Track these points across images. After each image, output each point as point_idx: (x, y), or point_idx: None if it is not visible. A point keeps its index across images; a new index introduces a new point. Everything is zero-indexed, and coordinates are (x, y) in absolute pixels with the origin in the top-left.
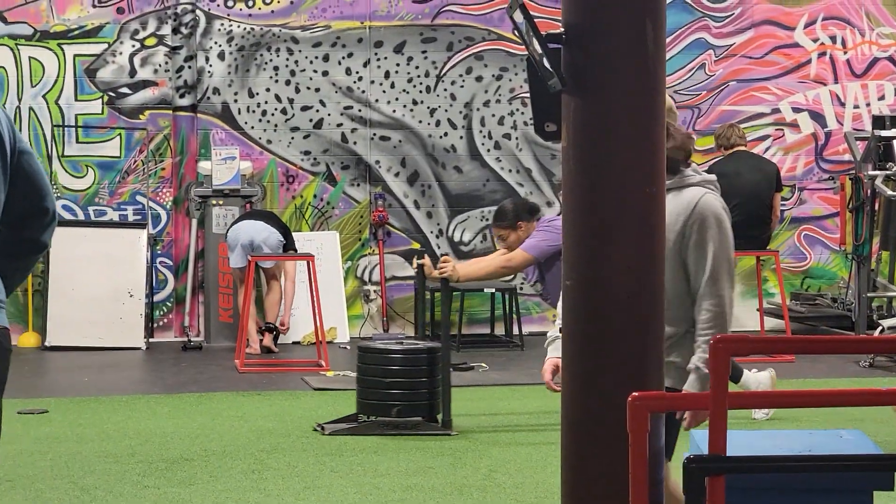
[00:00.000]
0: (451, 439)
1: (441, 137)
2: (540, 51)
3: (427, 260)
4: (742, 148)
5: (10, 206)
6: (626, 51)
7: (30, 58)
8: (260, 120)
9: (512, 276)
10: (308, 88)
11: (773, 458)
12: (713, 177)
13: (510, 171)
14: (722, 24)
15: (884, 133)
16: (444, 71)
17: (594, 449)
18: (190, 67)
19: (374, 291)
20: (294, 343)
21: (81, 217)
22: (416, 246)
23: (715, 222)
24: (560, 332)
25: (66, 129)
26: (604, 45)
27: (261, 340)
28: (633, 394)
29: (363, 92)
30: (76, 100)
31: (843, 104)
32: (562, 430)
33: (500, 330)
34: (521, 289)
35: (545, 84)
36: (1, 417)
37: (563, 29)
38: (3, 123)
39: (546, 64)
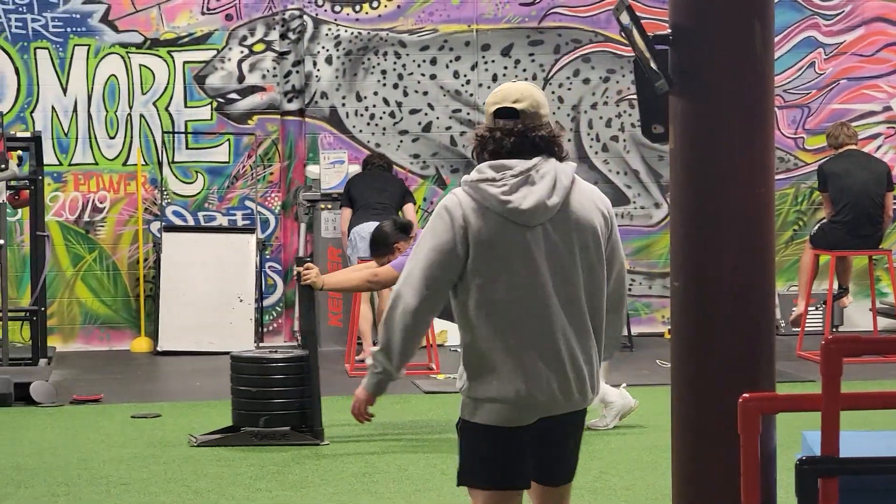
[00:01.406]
0: None
1: None
2: (647, 52)
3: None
4: (852, 147)
5: None
6: (734, 51)
7: (140, 65)
8: (368, 123)
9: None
10: (416, 92)
11: (888, 460)
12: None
13: (618, 173)
14: (832, 22)
15: None
16: (551, 73)
17: (705, 450)
18: (298, 72)
19: None
20: None
21: (191, 223)
22: None
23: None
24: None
25: (175, 135)
26: (711, 46)
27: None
28: (744, 395)
29: (471, 95)
30: (186, 106)
31: None
32: (672, 432)
33: None
34: (630, 290)
35: (652, 86)
36: None
37: (669, 30)
38: None
39: (653, 65)
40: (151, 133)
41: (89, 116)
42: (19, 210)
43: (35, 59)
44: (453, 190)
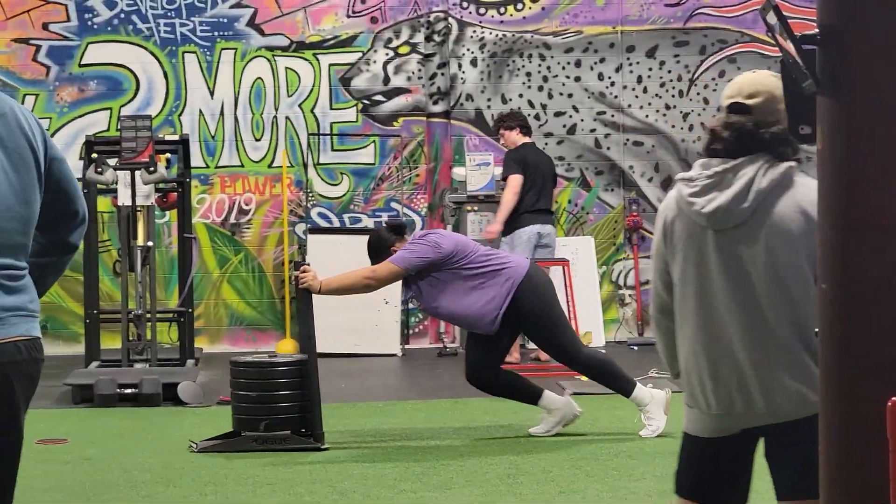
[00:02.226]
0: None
1: (694, 142)
2: (794, 52)
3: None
4: None
5: (42, 211)
6: (885, 50)
7: (286, 68)
8: None
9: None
10: (560, 94)
11: None
12: None
13: None
14: None
15: None
16: (696, 74)
17: (852, 456)
18: (443, 74)
19: (629, 296)
20: None
21: (336, 224)
22: None
23: None
24: None
25: (321, 137)
26: (861, 46)
27: (532, 351)
28: (894, 398)
29: (615, 97)
30: (331, 108)
31: None
32: (820, 437)
33: None
34: None
35: (800, 86)
36: (23, 431)
37: (817, 29)
38: (36, 133)
39: (801, 65)
40: (297, 135)
41: (236, 119)
42: (167, 212)
43: (183, 63)
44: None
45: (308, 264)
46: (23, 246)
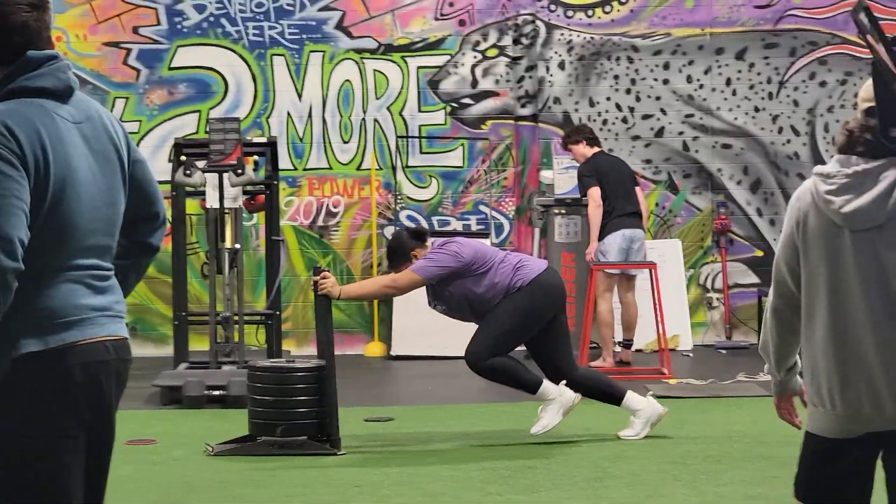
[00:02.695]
0: None
1: (784, 144)
2: (886, 54)
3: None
4: None
5: (124, 212)
6: None
7: (374, 71)
8: (601, 129)
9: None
10: (648, 97)
11: None
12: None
13: None
14: None
15: None
16: (786, 77)
17: None
18: (531, 77)
19: (717, 299)
20: (637, 351)
21: (425, 227)
22: (760, 254)
23: None
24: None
25: (409, 140)
26: None
27: (615, 353)
28: None
29: (704, 100)
30: (419, 111)
31: None
32: None
33: None
34: None
35: (891, 88)
36: (115, 431)
37: None
38: (120, 136)
39: (892, 67)
40: (385, 138)
41: (324, 121)
42: (255, 214)
43: (271, 65)
44: (806, 180)
45: (328, 270)
46: (108, 247)
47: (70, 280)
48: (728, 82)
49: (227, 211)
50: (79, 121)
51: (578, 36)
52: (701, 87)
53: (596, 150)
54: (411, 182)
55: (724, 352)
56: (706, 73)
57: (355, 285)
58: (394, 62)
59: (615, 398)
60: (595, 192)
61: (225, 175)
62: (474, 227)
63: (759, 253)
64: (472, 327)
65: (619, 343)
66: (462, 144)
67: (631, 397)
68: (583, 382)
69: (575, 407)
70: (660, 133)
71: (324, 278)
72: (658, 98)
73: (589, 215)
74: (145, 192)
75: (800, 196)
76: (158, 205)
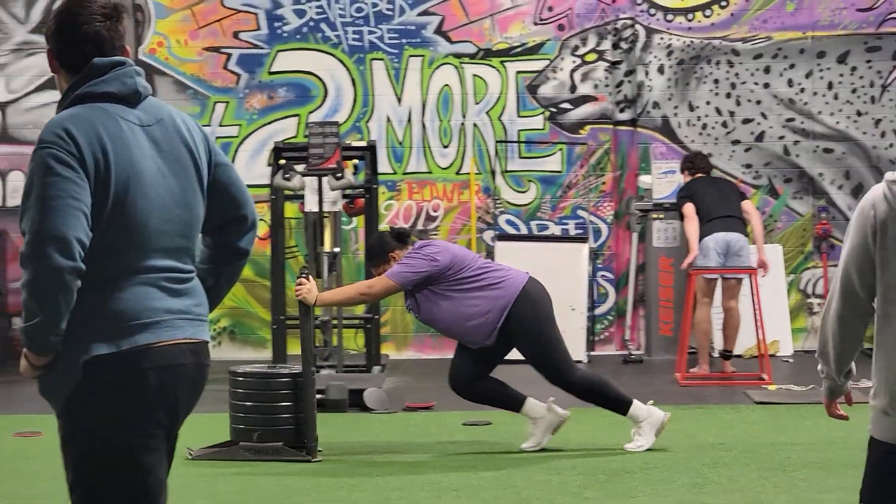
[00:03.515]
0: None
1: (886, 149)
2: None
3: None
4: None
5: (210, 216)
6: None
7: (473, 75)
8: (700, 133)
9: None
10: (749, 101)
11: None
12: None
13: None
14: None
15: None
16: (889, 80)
17: None
18: (630, 82)
19: (818, 304)
20: (736, 356)
21: (524, 231)
22: None
23: None
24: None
25: (508, 144)
26: None
27: (710, 363)
28: None
29: (805, 104)
30: (518, 116)
31: None
32: None
33: None
34: None
35: None
36: (177, 437)
37: None
38: (197, 139)
39: None
40: (484, 142)
41: (423, 126)
42: (354, 218)
43: (371, 70)
44: (874, 186)
45: (306, 276)
46: (185, 249)
47: (143, 283)
48: (830, 86)
49: (326, 215)
50: (147, 124)
51: (678, 40)
52: (802, 91)
53: (697, 176)
54: (510, 186)
55: None
56: (807, 76)
57: (332, 292)
58: (493, 67)
59: (621, 406)
60: (687, 208)
61: (324, 179)
62: (572, 232)
63: None
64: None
65: (719, 353)
66: (561, 149)
67: (530, 403)
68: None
69: (665, 425)
70: (760, 137)
71: (300, 284)
72: (758, 102)
73: (685, 230)
74: (231, 194)
75: (875, 204)
76: (246, 207)
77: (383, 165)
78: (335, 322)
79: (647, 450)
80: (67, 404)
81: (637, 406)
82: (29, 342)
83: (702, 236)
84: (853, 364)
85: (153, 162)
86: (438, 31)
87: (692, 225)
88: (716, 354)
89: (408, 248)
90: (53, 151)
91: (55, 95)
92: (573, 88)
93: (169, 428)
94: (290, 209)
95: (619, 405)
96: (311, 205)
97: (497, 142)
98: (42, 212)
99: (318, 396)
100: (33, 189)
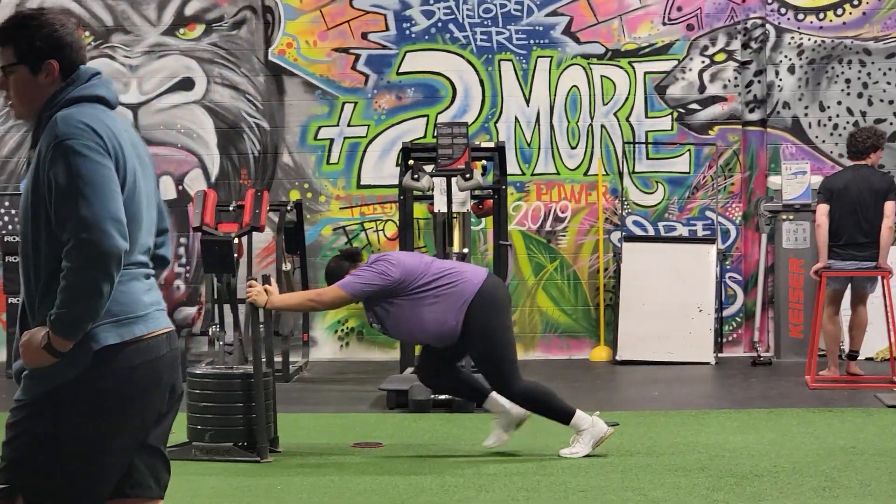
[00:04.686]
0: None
1: None
2: None
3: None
4: None
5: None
6: None
7: (601, 76)
8: (831, 134)
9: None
10: (881, 101)
11: None
12: None
13: None
14: None
15: None
16: None
17: None
18: (759, 82)
19: None
20: (867, 359)
21: (651, 232)
22: None
23: None
24: None
25: (636, 145)
26: None
27: (841, 364)
28: None
29: None
30: (646, 116)
31: None
32: None
33: None
34: None
35: None
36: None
37: None
38: (146, 154)
39: None
40: (612, 143)
41: (551, 127)
42: (483, 219)
43: (499, 70)
44: None
45: (255, 279)
46: (149, 248)
47: (134, 276)
48: None
49: (454, 215)
50: (126, 128)
51: (809, 39)
52: None
53: (854, 162)
54: (638, 188)
55: None
56: None
57: (283, 296)
58: (621, 67)
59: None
60: (819, 210)
61: (453, 179)
62: (700, 233)
63: None
64: (697, 332)
65: (846, 355)
66: (689, 150)
67: (492, 398)
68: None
69: (607, 438)
70: (893, 138)
71: (250, 286)
72: (891, 102)
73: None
74: (159, 206)
75: None
76: (167, 219)
77: (512, 166)
78: None
79: (780, 452)
80: (59, 389)
81: (580, 416)
82: (68, 327)
83: (832, 258)
84: None
85: (136, 163)
86: (567, 31)
87: (819, 233)
88: (843, 357)
89: (359, 265)
90: (83, 142)
91: (185, 97)
92: (702, 89)
93: (164, 411)
94: (419, 209)
95: (563, 416)
96: (440, 205)
97: (625, 143)
98: (97, 195)
99: (444, 397)
100: (76, 177)
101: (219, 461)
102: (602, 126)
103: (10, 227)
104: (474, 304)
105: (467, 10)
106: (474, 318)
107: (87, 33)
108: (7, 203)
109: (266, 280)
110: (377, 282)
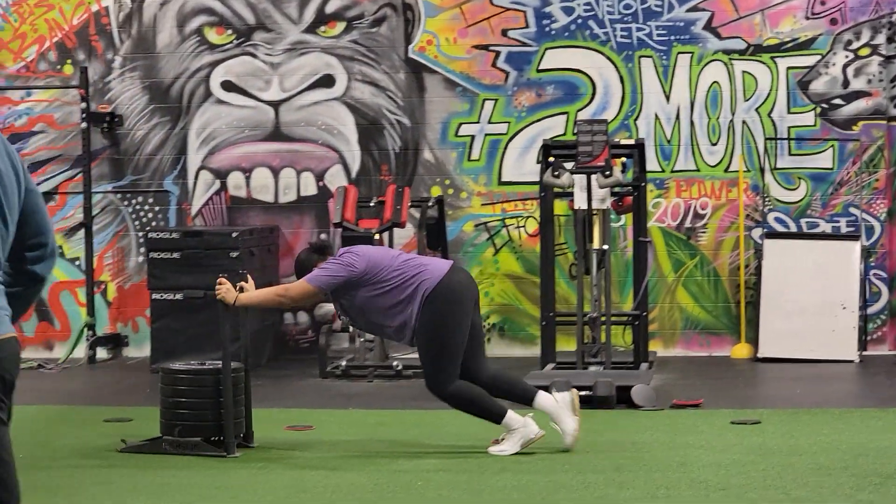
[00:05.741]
0: None
1: None
2: None
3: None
4: None
5: (14, 240)
6: None
7: (743, 72)
8: None
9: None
10: None
11: None
12: None
13: None
14: None
15: None
16: None
17: None
18: None
19: None
20: None
21: (793, 229)
22: None
23: None
24: None
25: (778, 141)
26: None
27: None
28: None
29: None
30: (788, 112)
31: None
32: None
33: None
34: None
35: None
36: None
37: None
38: (17, 161)
39: None
40: (753, 139)
41: (691, 123)
42: (623, 216)
43: (639, 67)
44: None
45: (226, 276)
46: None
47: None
48: None
49: (595, 212)
50: None
51: None
52: None
53: None
54: (779, 184)
55: None
56: None
57: (251, 293)
58: (763, 63)
59: (526, 399)
60: None
61: (593, 176)
62: (844, 230)
63: None
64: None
65: None
66: (832, 146)
67: (541, 398)
68: (492, 384)
69: (537, 440)
70: None
71: (220, 283)
72: None
73: None
74: (35, 222)
75: None
76: (47, 236)
77: (651, 163)
78: (603, 319)
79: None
80: None
81: (512, 416)
82: None
83: None
84: None
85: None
86: (707, 27)
87: None
88: None
89: (328, 258)
90: None
91: (326, 93)
92: (846, 84)
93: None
94: (560, 206)
95: (496, 416)
96: (580, 202)
97: (766, 139)
98: None
99: (585, 393)
100: None
101: (188, 455)
102: (743, 122)
103: (152, 223)
104: (431, 297)
105: (607, 6)
106: (428, 310)
107: (228, 31)
108: (151, 200)
109: (243, 278)
110: (343, 274)
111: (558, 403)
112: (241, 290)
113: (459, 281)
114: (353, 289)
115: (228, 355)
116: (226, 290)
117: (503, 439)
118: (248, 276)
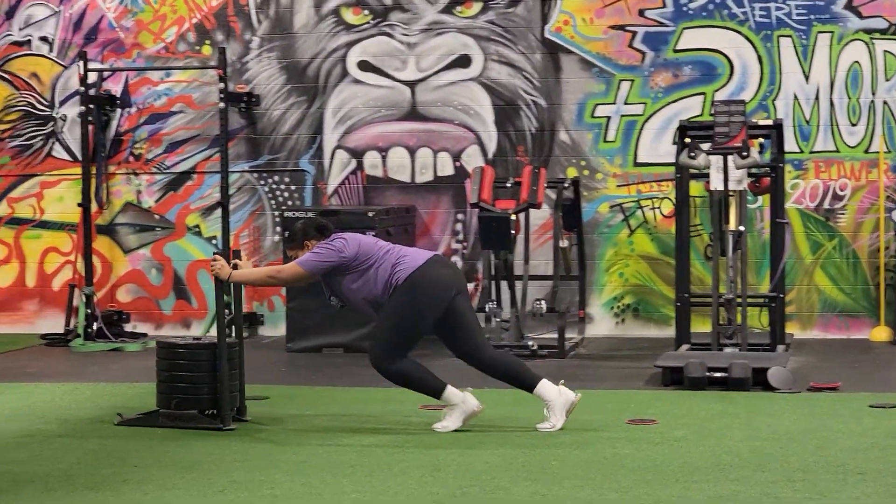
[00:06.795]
0: None
1: None
2: None
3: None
4: None
5: None
6: None
7: (884, 51)
8: None
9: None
10: None
11: None
12: None
13: None
14: None
15: None
16: None
17: None
18: None
19: None
20: None
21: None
22: None
23: None
24: None
25: None
26: None
27: None
28: None
29: None
30: None
31: None
32: None
33: None
34: None
35: None
36: None
37: None
38: None
39: None
40: (895, 120)
41: (831, 104)
42: (760, 197)
43: (778, 46)
44: None
45: (219, 253)
46: None
47: None
48: None
49: (731, 193)
50: None
51: None
52: None
53: None
54: None
55: None
56: None
57: (244, 271)
58: None
59: (527, 384)
60: None
61: (730, 158)
62: None
63: None
64: None
65: None
66: None
67: (544, 386)
68: (493, 365)
69: (478, 414)
70: None
71: (214, 260)
72: None
73: None
74: None
75: None
76: None
77: (790, 144)
78: (739, 300)
79: None
80: None
81: (451, 391)
82: None
83: None
84: None
85: None
86: (848, 6)
87: None
88: None
89: (323, 240)
90: None
91: (463, 74)
92: None
93: None
94: (696, 187)
95: (434, 392)
96: (717, 183)
97: None
98: None
99: (720, 375)
100: None
101: (184, 428)
102: (884, 102)
103: (288, 203)
104: (402, 285)
105: None
106: (397, 293)
107: (365, 12)
108: (287, 179)
109: (237, 255)
110: (333, 258)
111: (560, 396)
112: (236, 267)
113: (430, 275)
114: (340, 273)
115: (224, 330)
116: (220, 266)
117: (444, 415)
118: (242, 253)
